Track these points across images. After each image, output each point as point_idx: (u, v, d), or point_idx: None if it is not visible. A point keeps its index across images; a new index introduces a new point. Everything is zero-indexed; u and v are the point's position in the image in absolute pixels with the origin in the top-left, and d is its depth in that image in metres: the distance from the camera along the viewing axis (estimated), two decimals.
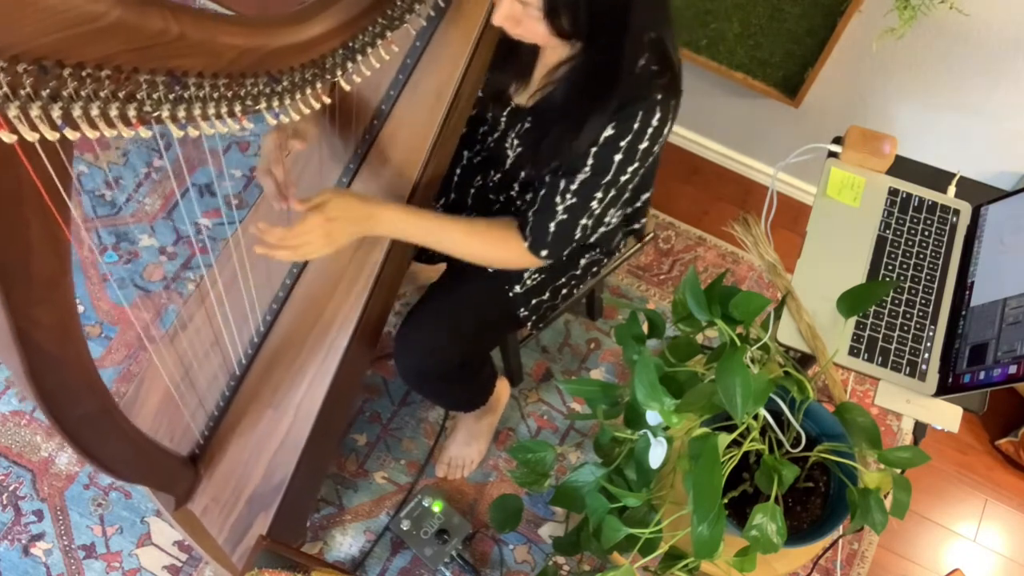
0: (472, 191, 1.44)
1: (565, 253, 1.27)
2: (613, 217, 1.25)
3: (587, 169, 1.16)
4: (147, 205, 2.02)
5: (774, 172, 1.52)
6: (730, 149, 2.16)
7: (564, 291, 1.46)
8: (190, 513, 1.42)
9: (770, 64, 1.80)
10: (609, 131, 1.13)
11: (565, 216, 1.20)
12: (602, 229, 1.27)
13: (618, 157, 1.14)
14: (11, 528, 1.66)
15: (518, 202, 1.37)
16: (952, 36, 1.59)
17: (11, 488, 1.70)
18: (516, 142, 1.29)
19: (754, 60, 1.81)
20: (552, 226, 1.21)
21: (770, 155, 2.12)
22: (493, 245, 1.25)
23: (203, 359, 1.40)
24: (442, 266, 1.51)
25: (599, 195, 1.18)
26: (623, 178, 1.17)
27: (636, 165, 1.17)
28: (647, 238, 1.60)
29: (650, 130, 1.13)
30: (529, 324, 1.45)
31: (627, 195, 1.23)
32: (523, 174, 1.33)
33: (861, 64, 1.74)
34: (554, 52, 1.17)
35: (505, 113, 1.29)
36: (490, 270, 1.37)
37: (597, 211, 1.21)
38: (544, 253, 1.24)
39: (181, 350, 1.42)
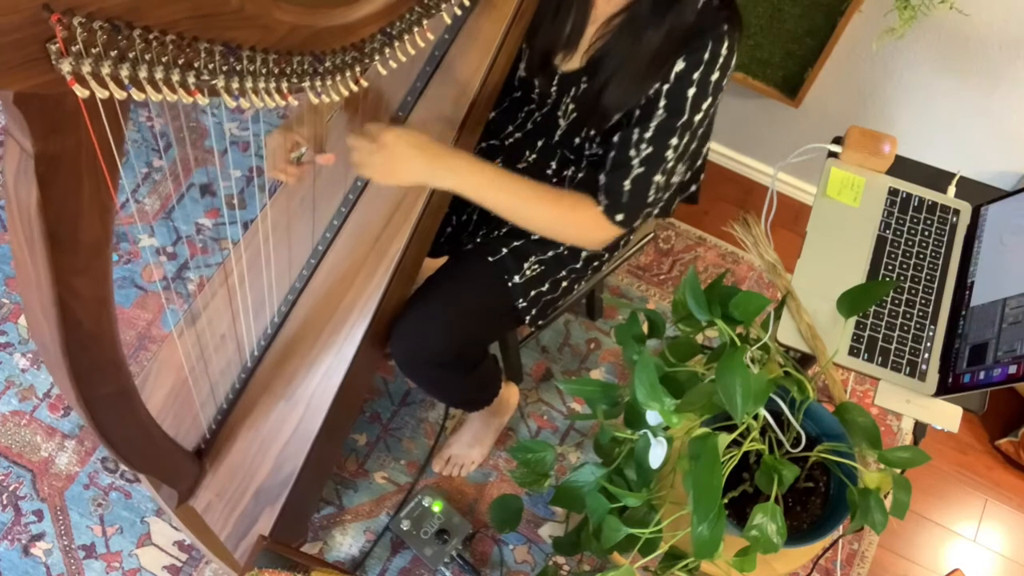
0: None
1: (638, 222, 1.24)
2: (677, 175, 1.23)
3: (661, 112, 1.15)
4: (147, 205, 2.02)
5: (774, 172, 1.52)
6: (730, 149, 2.16)
7: (564, 284, 1.45)
8: (192, 510, 1.42)
9: (770, 64, 1.80)
10: (680, 65, 1.12)
11: (641, 169, 1.18)
12: (668, 192, 1.25)
13: (691, 92, 1.13)
14: (11, 528, 1.66)
15: (554, 179, 1.36)
16: (952, 36, 1.59)
17: (11, 488, 1.70)
18: (571, 107, 1.28)
19: (754, 60, 1.81)
20: (627, 183, 1.18)
21: (770, 155, 2.12)
22: (564, 208, 1.22)
23: (217, 348, 1.40)
24: (444, 259, 1.51)
25: (674, 141, 1.16)
26: (697, 117, 1.16)
27: (709, 100, 1.15)
28: (647, 237, 1.60)
29: (720, 59, 1.12)
30: (528, 319, 1.44)
31: (695, 145, 1.21)
32: (576, 141, 1.32)
33: (861, 64, 1.74)
34: (608, 3, 1.17)
35: (555, 82, 1.28)
36: (490, 259, 1.37)
37: (671, 163, 1.18)
38: (620, 217, 1.21)
39: (196, 338, 1.42)
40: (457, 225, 1.49)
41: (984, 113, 1.71)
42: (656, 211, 1.36)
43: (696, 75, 1.13)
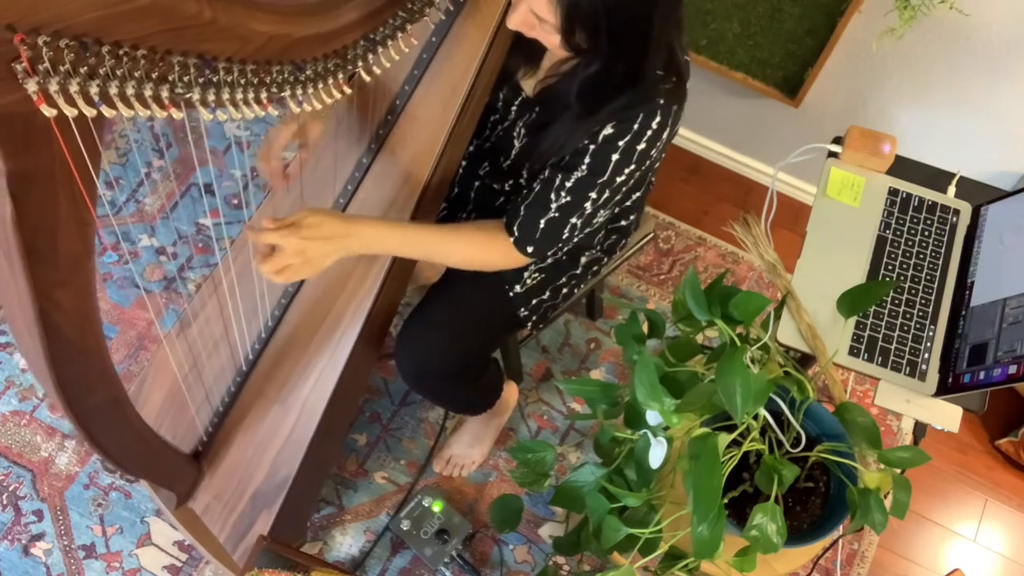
0: (477, 183, 1.44)
1: (550, 253, 1.26)
2: (602, 217, 1.26)
3: (584, 168, 1.17)
4: (147, 205, 2.02)
5: (774, 172, 1.52)
6: (730, 149, 2.16)
7: (564, 290, 1.46)
8: (191, 511, 1.42)
9: (770, 64, 1.80)
10: (608, 130, 1.13)
11: (557, 214, 1.20)
12: (588, 230, 1.28)
13: (615, 157, 1.15)
14: (11, 528, 1.66)
15: (525, 191, 1.37)
16: (952, 36, 1.59)
17: (11, 488, 1.70)
18: (523, 132, 1.29)
19: (754, 60, 1.81)
20: (542, 223, 1.21)
21: (770, 155, 2.12)
22: (477, 248, 1.25)
23: (210, 353, 1.40)
24: (443, 266, 1.51)
25: (593, 195, 1.19)
26: (619, 179, 1.18)
27: (632, 167, 1.17)
28: (647, 237, 1.60)
29: (648, 133, 1.14)
30: (529, 324, 1.45)
31: (620, 196, 1.24)
32: (525, 173, 1.33)
33: (861, 64, 1.74)
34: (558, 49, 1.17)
35: (516, 103, 1.29)
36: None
37: (589, 211, 1.21)
38: (530, 250, 1.24)
39: (188, 345, 1.42)
40: None
41: (984, 113, 1.71)
42: (577, 241, 1.37)
43: (622, 143, 1.14)
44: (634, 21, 1.01)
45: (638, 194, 1.39)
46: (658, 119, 1.13)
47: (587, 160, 1.16)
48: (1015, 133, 1.72)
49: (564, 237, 1.23)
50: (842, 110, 1.85)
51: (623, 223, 1.47)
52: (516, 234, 1.22)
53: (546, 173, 1.21)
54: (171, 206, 2.03)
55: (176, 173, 2.08)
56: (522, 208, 1.22)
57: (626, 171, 1.17)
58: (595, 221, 1.25)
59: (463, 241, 1.25)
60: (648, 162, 1.18)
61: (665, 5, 1.02)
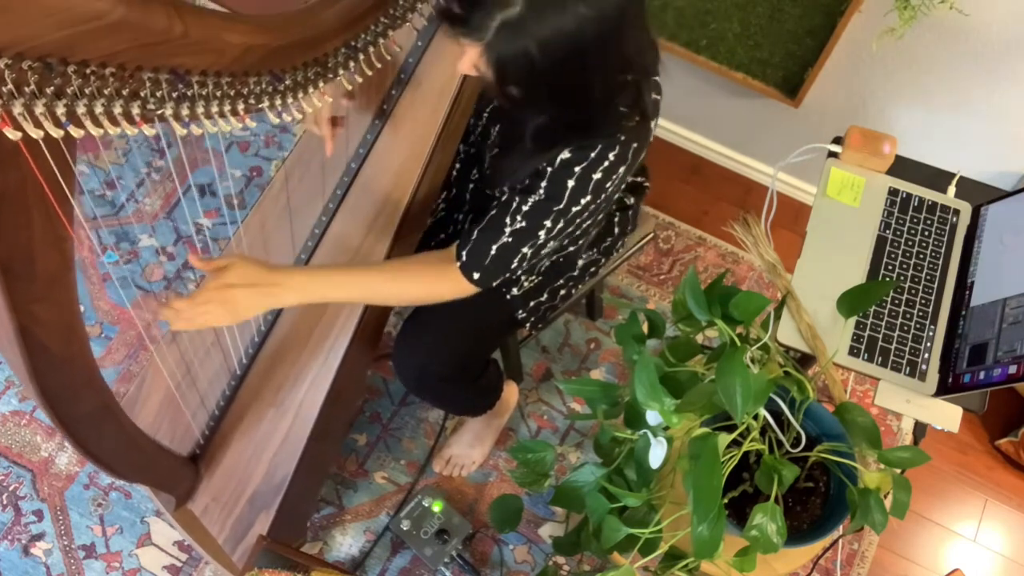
0: (471, 186, 1.44)
1: (496, 283, 1.21)
2: (550, 249, 1.22)
3: (541, 192, 1.14)
4: (147, 205, 2.02)
5: (774, 172, 1.52)
6: (730, 149, 2.16)
7: (562, 292, 1.46)
8: (190, 513, 1.42)
9: (770, 64, 1.80)
10: (566, 154, 1.12)
11: (510, 239, 1.16)
12: (535, 262, 1.23)
13: (571, 183, 1.12)
14: (11, 528, 1.66)
15: (481, 215, 1.37)
16: (952, 36, 1.59)
17: (11, 488, 1.70)
18: (497, 139, 1.29)
19: (754, 60, 1.81)
20: (494, 248, 1.16)
21: (770, 155, 2.12)
22: (421, 284, 1.20)
23: (204, 358, 1.40)
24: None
25: (548, 223, 1.15)
26: (574, 208, 1.15)
27: (588, 198, 1.14)
28: (647, 237, 1.60)
29: (605, 163, 1.12)
30: (528, 325, 1.45)
31: (573, 230, 1.20)
32: (497, 190, 1.32)
33: (861, 64, 1.74)
34: None
35: (487, 110, 1.29)
36: None
37: (541, 240, 1.17)
38: (476, 276, 1.18)
39: (183, 349, 1.42)
40: (452, 233, 1.48)
41: (984, 113, 1.71)
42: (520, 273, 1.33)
43: (578, 168, 1.12)
44: (568, 79, 1.00)
45: (588, 223, 1.37)
46: (616, 151, 1.11)
47: (544, 184, 1.13)
48: (1015, 133, 1.72)
49: (512, 267, 1.19)
50: (842, 110, 1.85)
51: (571, 249, 1.42)
52: (464, 259, 1.17)
53: (503, 197, 1.18)
54: (171, 206, 2.03)
55: (176, 173, 2.07)
56: (475, 232, 1.18)
57: (582, 201, 1.14)
58: (543, 252, 1.21)
59: (406, 279, 1.20)
60: (603, 195, 1.15)
61: (598, 64, 1.00)
